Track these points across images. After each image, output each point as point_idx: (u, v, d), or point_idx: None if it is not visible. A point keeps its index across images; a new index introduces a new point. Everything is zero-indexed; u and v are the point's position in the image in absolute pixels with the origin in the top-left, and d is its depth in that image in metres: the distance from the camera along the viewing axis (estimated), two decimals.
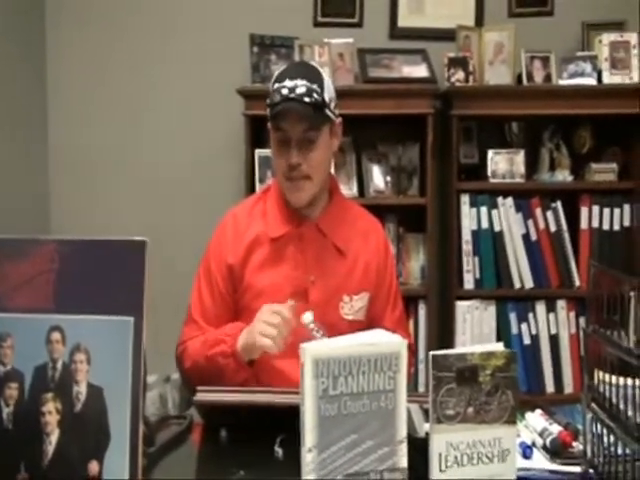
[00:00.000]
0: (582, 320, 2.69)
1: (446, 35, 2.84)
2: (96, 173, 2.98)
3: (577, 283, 2.74)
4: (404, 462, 1.10)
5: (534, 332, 2.74)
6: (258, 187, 2.65)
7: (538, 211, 2.74)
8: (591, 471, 1.13)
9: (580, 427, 1.22)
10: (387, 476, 1.09)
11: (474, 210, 2.72)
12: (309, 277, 1.67)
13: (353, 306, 1.70)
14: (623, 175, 2.78)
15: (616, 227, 2.74)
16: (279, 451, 1.25)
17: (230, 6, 2.95)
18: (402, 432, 1.10)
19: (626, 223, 2.73)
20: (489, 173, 2.74)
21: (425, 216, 2.73)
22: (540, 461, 1.25)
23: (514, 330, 2.74)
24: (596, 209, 2.75)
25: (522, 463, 1.21)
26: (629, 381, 1.01)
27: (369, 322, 1.70)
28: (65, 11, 2.95)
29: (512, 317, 2.75)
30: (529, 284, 2.73)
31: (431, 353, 1.09)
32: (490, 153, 2.75)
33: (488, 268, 2.74)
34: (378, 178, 2.84)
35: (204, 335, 1.63)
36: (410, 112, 2.70)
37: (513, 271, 2.73)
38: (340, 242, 1.71)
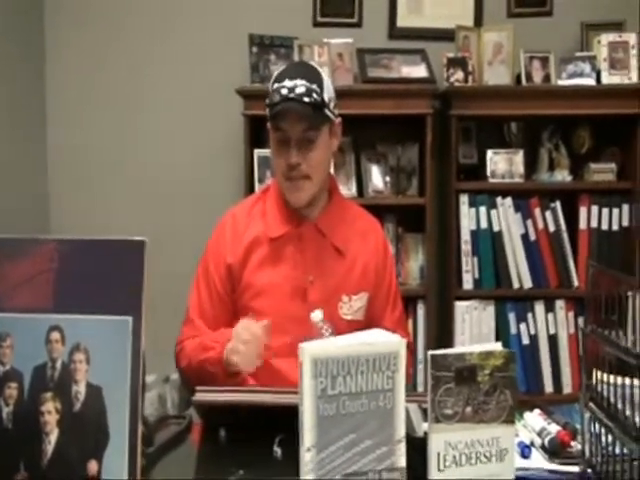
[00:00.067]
0: (581, 320, 2.69)
1: (445, 35, 2.84)
2: (95, 173, 2.98)
3: (576, 283, 2.74)
4: (402, 462, 1.10)
5: (533, 332, 2.75)
6: (257, 187, 2.65)
7: (537, 211, 2.74)
8: (589, 471, 1.14)
9: (578, 427, 1.22)
10: (386, 476, 1.09)
11: (473, 210, 2.72)
12: (308, 277, 1.68)
13: (352, 306, 1.70)
14: (622, 175, 2.78)
15: (615, 227, 2.74)
16: (278, 451, 1.25)
17: (229, 6, 2.95)
18: (400, 432, 1.10)
19: (625, 223, 2.73)
20: (488, 173, 2.74)
21: (424, 216, 2.73)
22: (538, 461, 1.25)
23: (513, 330, 2.74)
24: (595, 209, 2.75)
25: (520, 463, 1.21)
26: (627, 381, 1.01)
27: (369, 322, 1.70)
28: (64, 11, 2.95)
29: (511, 317, 2.75)
30: (528, 284, 2.73)
31: (430, 353, 1.10)
32: (489, 153, 2.75)
33: (487, 268, 2.74)
34: (377, 178, 2.84)
35: (200, 337, 1.64)
36: (409, 112, 2.70)
37: (512, 271, 2.73)
38: (339, 242, 1.71)
